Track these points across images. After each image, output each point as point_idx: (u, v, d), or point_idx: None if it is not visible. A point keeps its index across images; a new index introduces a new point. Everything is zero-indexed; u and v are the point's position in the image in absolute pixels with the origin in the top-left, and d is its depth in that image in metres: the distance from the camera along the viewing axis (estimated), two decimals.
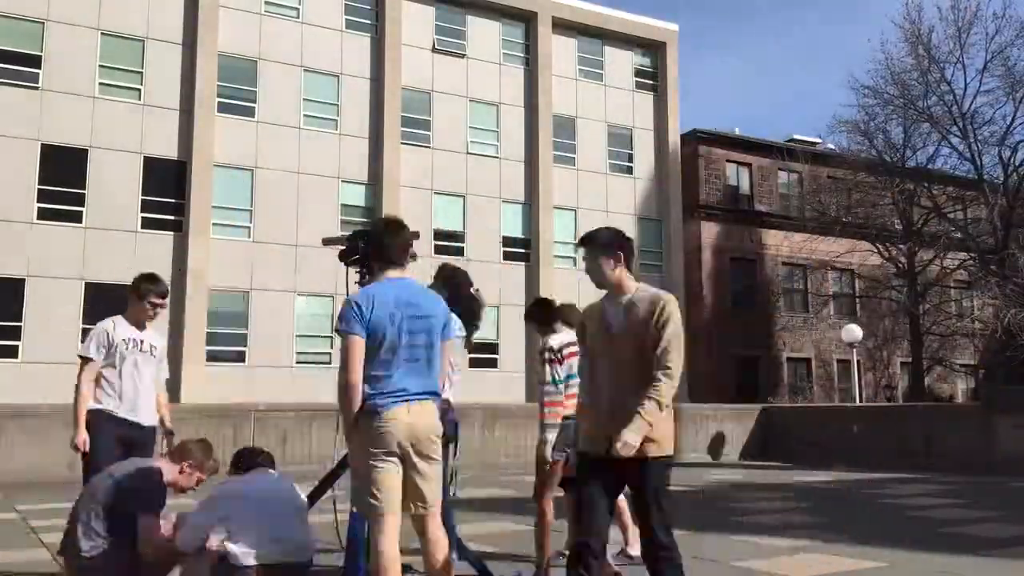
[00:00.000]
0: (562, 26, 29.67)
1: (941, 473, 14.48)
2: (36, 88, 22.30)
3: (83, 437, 5.01)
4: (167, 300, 5.52)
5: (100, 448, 4.98)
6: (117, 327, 5.22)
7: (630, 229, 30.01)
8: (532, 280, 27.65)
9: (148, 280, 5.31)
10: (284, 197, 24.65)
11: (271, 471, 4.58)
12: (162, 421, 5.41)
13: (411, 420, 3.70)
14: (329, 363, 23.46)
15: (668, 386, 3.56)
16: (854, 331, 25.17)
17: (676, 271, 30.41)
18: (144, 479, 4.26)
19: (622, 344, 3.68)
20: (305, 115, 25.34)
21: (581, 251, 4.05)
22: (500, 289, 26.72)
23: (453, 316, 4.31)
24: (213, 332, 23.36)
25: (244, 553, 4.01)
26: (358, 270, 4.71)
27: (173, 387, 21.92)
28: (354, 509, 4.27)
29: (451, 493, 5.19)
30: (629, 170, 30.60)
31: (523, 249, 28.05)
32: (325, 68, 25.80)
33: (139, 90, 23.53)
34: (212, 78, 23.99)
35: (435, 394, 3.87)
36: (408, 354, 3.74)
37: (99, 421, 5.06)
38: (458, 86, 27.60)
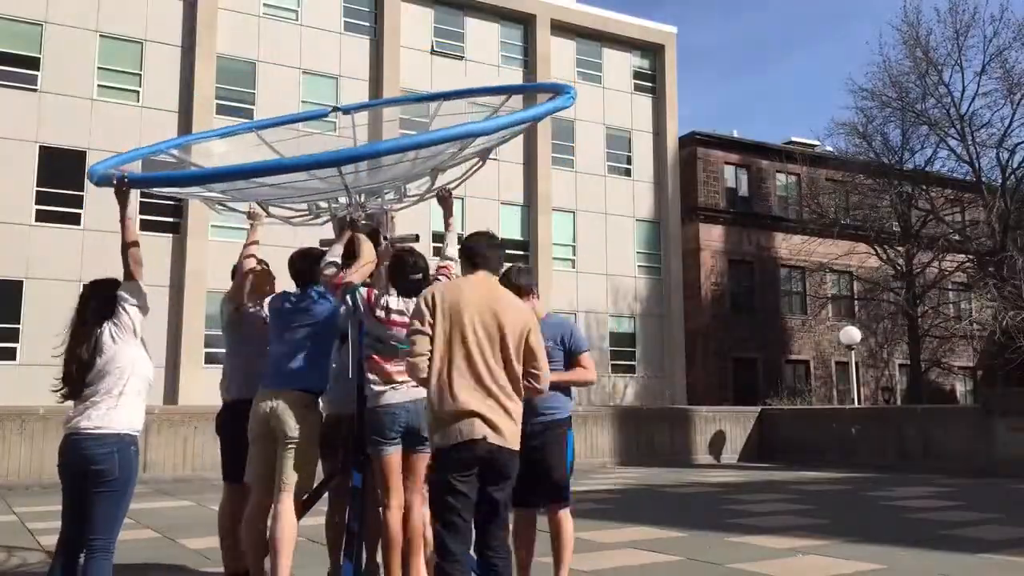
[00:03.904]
0: (561, 28, 29.68)
1: (939, 475, 14.48)
2: (35, 90, 22.28)
3: None
4: None
5: None
6: None
7: (628, 231, 30.06)
8: None
9: None
10: None
11: None
12: None
13: None
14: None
15: None
16: (852, 333, 25.16)
17: (675, 273, 30.41)
18: None
19: None
20: None
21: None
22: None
23: None
24: (212, 334, 23.30)
25: None
26: None
27: (171, 389, 21.91)
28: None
29: None
30: (628, 172, 30.61)
31: (522, 251, 28.03)
32: (324, 70, 25.80)
33: (137, 92, 23.52)
34: (211, 80, 23.98)
35: None
36: None
37: None
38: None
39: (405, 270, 4.61)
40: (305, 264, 5.05)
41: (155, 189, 5.47)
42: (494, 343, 3.74)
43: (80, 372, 3.83)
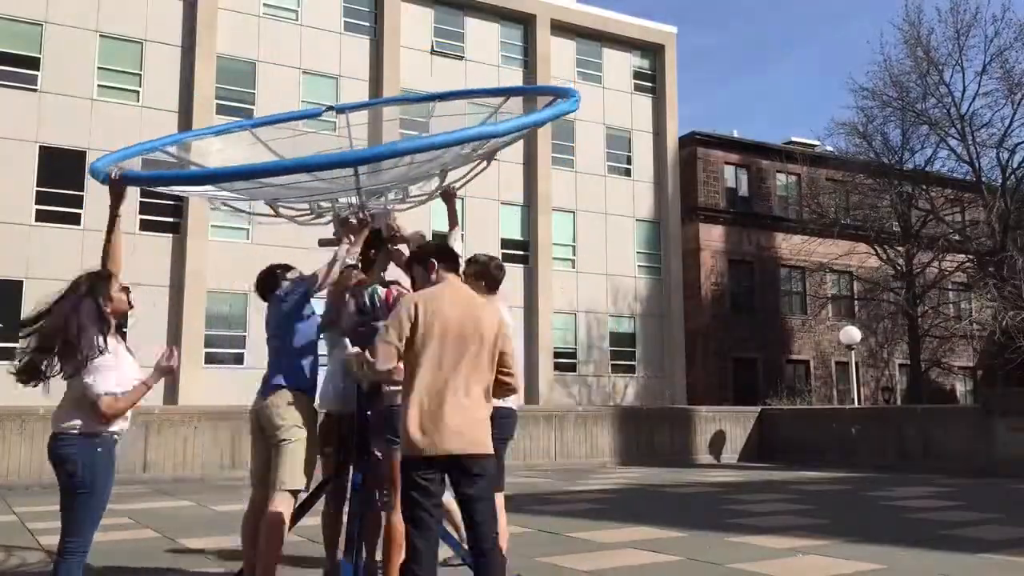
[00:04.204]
0: (561, 28, 29.68)
1: (939, 475, 14.48)
2: (35, 90, 22.28)
3: None
4: None
5: None
6: None
7: (628, 231, 30.05)
8: (531, 282, 27.65)
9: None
10: None
11: None
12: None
13: None
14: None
15: None
16: (852, 333, 25.16)
17: (675, 273, 30.41)
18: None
19: None
20: None
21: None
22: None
23: None
24: (211, 334, 23.33)
25: None
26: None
27: (171, 389, 21.91)
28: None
29: None
30: (628, 172, 30.60)
31: (522, 251, 28.04)
32: (324, 70, 25.79)
33: (138, 92, 23.52)
34: (211, 80, 23.97)
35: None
36: None
37: None
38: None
39: None
40: (266, 280, 5.09)
41: (158, 188, 5.47)
42: (472, 350, 3.79)
43: (49, 366, 3.84)
